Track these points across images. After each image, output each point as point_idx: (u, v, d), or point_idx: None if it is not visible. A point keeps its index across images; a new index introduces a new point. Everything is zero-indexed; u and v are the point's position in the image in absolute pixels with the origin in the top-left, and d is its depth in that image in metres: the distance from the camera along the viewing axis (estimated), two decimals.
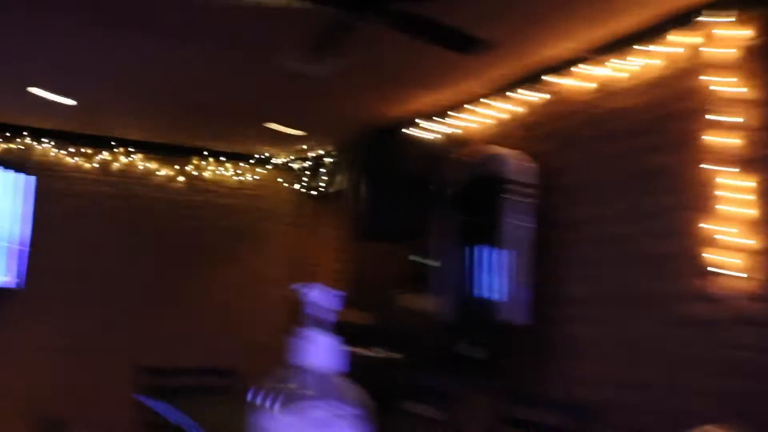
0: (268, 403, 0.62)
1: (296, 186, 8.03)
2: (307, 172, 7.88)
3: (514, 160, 4.61)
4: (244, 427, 0.63)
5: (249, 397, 0.64)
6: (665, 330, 3.68)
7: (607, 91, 4.24)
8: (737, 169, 3.42)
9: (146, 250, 7.30)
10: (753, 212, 3.33)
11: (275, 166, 8.02)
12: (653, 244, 3.80)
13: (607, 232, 4.12)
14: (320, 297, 0.72)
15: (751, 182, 3.36)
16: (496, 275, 4.62)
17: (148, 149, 7.41)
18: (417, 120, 5.79)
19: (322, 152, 7.56)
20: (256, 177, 7.91)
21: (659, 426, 3.55)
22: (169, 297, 7.30)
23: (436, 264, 5.03)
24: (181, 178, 7.58)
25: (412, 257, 5.70)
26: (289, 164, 8.04)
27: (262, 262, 7.77)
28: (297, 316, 1.01)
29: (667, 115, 3.82)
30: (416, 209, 5.51)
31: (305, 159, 7.86)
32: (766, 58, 3.39)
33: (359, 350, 5.40)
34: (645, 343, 3.79)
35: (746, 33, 3.48)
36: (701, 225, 3.53)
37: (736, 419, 2.61)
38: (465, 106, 5.35)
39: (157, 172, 7.46)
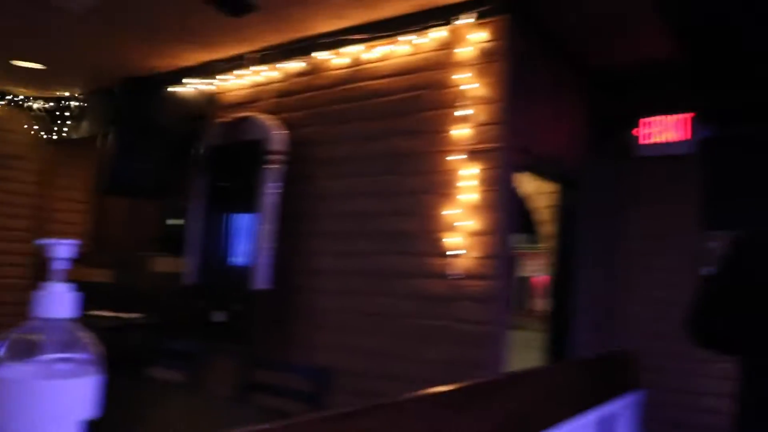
0: (2, 354, 0.68)
1: (37, 128, 7.34)
2: (51, 115, 7.24)
3: (268, 126, 4.68)
4: None
5: None
6: (403, 303, 4.03)
7: (365, 72, 4.51)
8: (465, 158, 3.90)
9: None
10: (475, 197, 3.84)
11: (11, 103, 7.24)
12: (397, 222, 4.14)
13: (354, 208, 4.37)
14: (56, 249, 0.75)
15: (475, 170, 3.85)
16: (245, 241, 4.70)
17: None
18: (180, 76, 5.65)
19: (68, 94, 7.00)
20: None
21: (385, 389, 3.82)
22: None
23: (187, 226, 4.95)
24: None
25: (162, 217, 5.56)
26: (28, 103, 7.32)
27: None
28: (39, 271, 1.01)
29: (420, 104, 4.18)
30: (170, 168, 5.38)
31: (48, 99, 7.21)
32: (496, 59, 3.89)
33: (101, 311, 5.20)
34: (383, 314, 4.10)
35: (482, 36, 3.96)
36: (443, 209, 3.95)
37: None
38: (228, 68, 5.32)
39: None
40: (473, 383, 1.72)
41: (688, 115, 4.72)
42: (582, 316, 5.04)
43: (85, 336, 0.74)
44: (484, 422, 1.75)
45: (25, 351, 0.70)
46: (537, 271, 6.78)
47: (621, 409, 2.42)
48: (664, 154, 4.87)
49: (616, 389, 2.47)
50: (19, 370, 0.69)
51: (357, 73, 4.56)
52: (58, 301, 0.74)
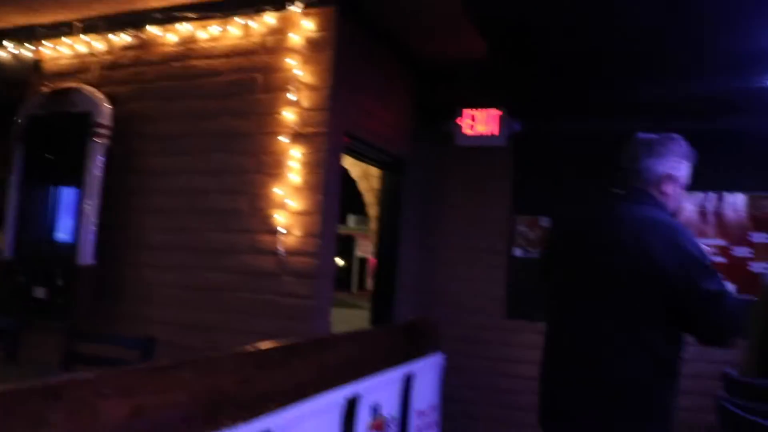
0: None
1: None
2: None
3: (95, 99, 4.56)
4: None
5: None
6: (231, 278, 4.14)
7: (197, 51, 4.53)
8: (290, 141, 4.08)
9: None
10: (301, 178, 4.03)
11: None
12: (226, 200, 4.23)
13: (183, 185, 4.40)
14: None
15: (298, 152, 4.05)
16: (68, 216, 4.56)
17: None
18: (2, 40, 5.30)
19: None
20: None
21: None
22: None
23: (5, 198, 4.71)
24: None
25: None
26: None
27: None
28: None
29: (251, 86, 4.28)
30: None
31: None
32: (322, 49, 4.10)
33: None
34: (211, 289, 4.18)
35: (310, 25, 4.15)
36: (271, 189, 4.09)
37: None
38: (52, 34, 5.09)
39: None
40: (286, 343, 1.92)
41: (500, 111, 5.19)
42: (403, 293, 5.41)
43: None
44: (298, 376, 1.95)
45: None
46: (371, 251, 7.08)
47: (423, 368, 2.72)
48: (481, 145, 5.31)
49: (419, 351, 2.77)
50: None
51: (189, 52, 4.57)
52: None
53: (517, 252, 5.51)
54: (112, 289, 4.52)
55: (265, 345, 1.85)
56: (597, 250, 2.28)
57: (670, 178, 2.33)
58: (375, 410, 2.26)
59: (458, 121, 5.34)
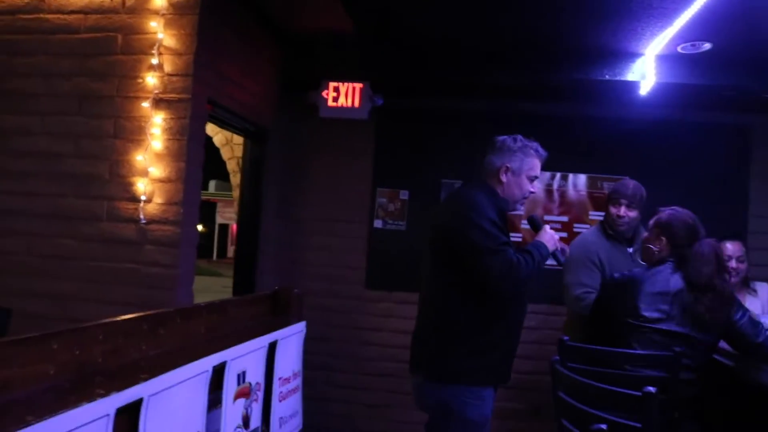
0: None
1: None
2: None
3: None
4: None
5: None
6: (88, 246, 3.99)
7: (49, 5, 4.27)
8: (151, 106, 3.99)
9: None
10: (162, 145, 3.96)
11: None
12: (83, 165, 4.06)
13: (34, 147, 4.16)
14: None
15: (159, 119, 3.97)
16: None
17: None
18: None
19: None
20: None
21: None
22: None
23: None
24: None
25: None
26: None
27: None
28: None
29: (110, 46, 4.09)
30: None
31: None
32: (186, 13, 4.01)
33: None
34: (67, 258, 4.02)
35: None
36: (132, 155, 3.98)
37: None
38: None
39: None
40: (152, 313, 1.94)
41: (362, 84, 5.32)
42: (265, 261, 5.46)
43: None
44: (165, 346, 1.99)
45: None
46: (233, 219, 7.00)
47: (286, 337, 2.82)
48: (343, 117, 5.43)
49: (283, 320, 2.87)
50: None
51: (40, 4, 4.29)
52: None
53: (378, 224, 5.70)
54: None
55: (133, 315, 1.87)
56: (430, 224, 3.07)
57: (507, 169, 2.99)
58: (241, 378, 2.34)
59: (322, 93, 5.41)
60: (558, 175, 5.56)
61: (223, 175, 6.28)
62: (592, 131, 5.51)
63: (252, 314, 2.70)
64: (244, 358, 2.36)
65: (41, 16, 4.29)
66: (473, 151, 3.35)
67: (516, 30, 4.65)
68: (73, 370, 1.61)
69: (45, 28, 4.26)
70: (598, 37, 4.57)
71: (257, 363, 2.53)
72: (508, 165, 2.99)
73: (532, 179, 3.04)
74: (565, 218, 5.54)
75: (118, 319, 1.82)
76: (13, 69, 4.28)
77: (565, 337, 3.33)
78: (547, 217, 5.50)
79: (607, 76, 4.97)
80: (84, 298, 3.96)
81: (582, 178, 5.55)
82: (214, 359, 2.12)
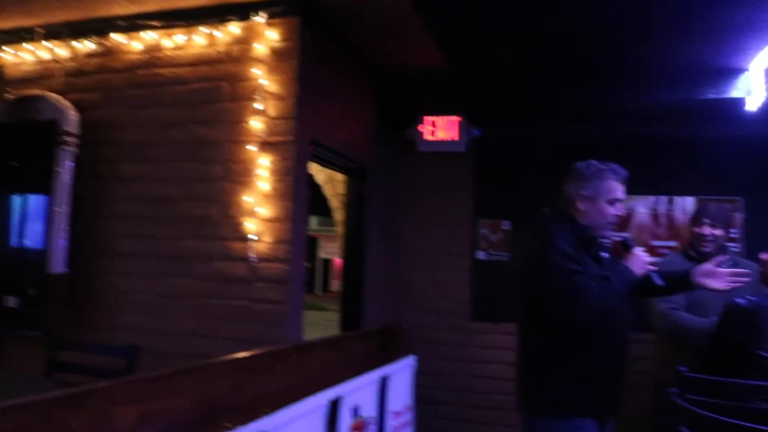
0: None
1: None
2: None
3: (61, 106, 4.57)
4: None
5: None
6: (203, 285, 4.19)
7: (162, 59, 4.57)
8: (257, 149, 4.17)
9: None
10: (269, 186, 4.12)
11: None
12: (196, 208, 4.28)
13: (153, 192, 4.43)
14: None
15: (266, 161, 4.14)
16: (37, 224, 4.56)
17: None
18: None
19: None
20: None
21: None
22: None
23: None
24: None
25: None
26: None
27: None
28: None
29: (217, 95, 4.34)
30: None
31: None
32: (287, 58, 4.19)
33: None
34: (184, 296, 4.23)
35: (274, 35, 4.24)
36: (241, 196, 4.17)
37: None
38: (13, 40, 5.07)
39: None
40: (272, 349, 2.02)
41: (460, 117, 5.36)
42: (371, 295, 5.54)
43: None
44: (283, 381, 2.06)
45: None
46: (335, 253, 7.11)
47: (397, 371, 2.85)
48: (442, 151, 5.48)
49: (392, 355, 2.90)
50: None
51: (154, 60, 4.60)
52: None
53: (481, 255, 5.68)
54: (85, 296, 4.52)
55: (254, 352, 1.96)
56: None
57: (582, 197, 2.97)
58: (355, 411, 2.38)
59: (419, 127, 5.48)
60: (664, 198, 5.38)
61: (323, 211, 6.44)
62: (698, 151, 5.31)
63: (363, 349, 2.76)
64: (358, 392, 2.40)
65: (155, 70, 4.59)
66: (564, 177, 3.31)
67: (611, 53, 4.58)
68: (202, 405, 1.69)
69: (159, 81, 4.56)
70: (700, 55, 4.44)
71: (370, 397, 2.56)
72: (583, 192, 2.99)
73: (613, 202, 2.98)
74: (674, 243, 5.33)
75: (241, 355, 1.90)
76: (133, 121, 4.59)
77: (683, 368, 3.19)
78: (655, 243, 5.32)
79: (710, 95, 4.80)
80: (201, 334, 4.14)
81: (690, 201, 5.34)
82: (330, 393, 2.17)
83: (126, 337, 4.08)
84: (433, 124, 5.46)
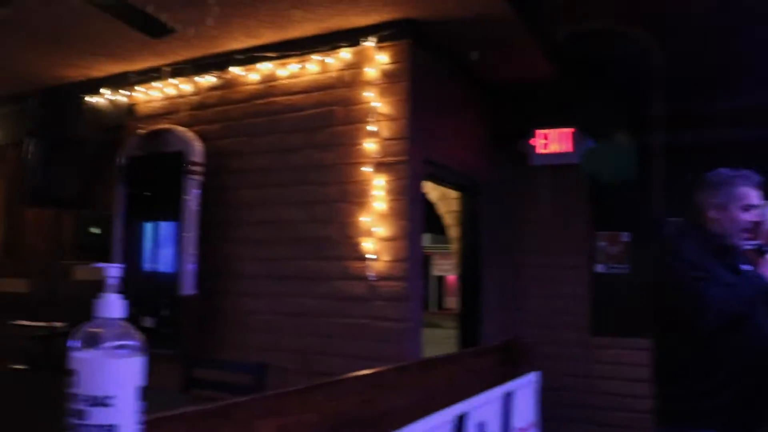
0: (79, 343, 0.98)
1: None
2: None
3: (187, 138, 4.86)
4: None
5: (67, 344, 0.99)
6: (324, 304, 4.33)
7: (278, 88, 4.78)
8: (372, 170, 4.26)
9: None
10: (385, 205, 4.20)
11: None
12: (315, 229, 4.43)
13: (274, 216, 4.63)
14: (109, 270, 1.09)
15: (381, 181, 4.22)
16: (169, 248, 4.86)
17: None
18: (95, 87, 5.68)
19: None
20: None
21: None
22: None
23: (110, 234, 5.05)
24: None
25: (83, 226, 5.60)
26: None
27: None
28: None
29: (331, 119, 4.49)
30: (89, 178, 5.46)
31: None
32: (398, 80, 4.27)
33: (23, 321, 5.22)
34: (305, 315, 4.38)
35: (384, 58, 4.33)
36: (358, 217, 4.28)
37: None
38: (143, 80, 5.45)
39: None
40: (397, 365, 2.06)
41: (573, 129, 5.26)
42: (488, 311, 5.50)
43: (130, 328, 1.04)
44: (409, 397, 2.09)
45: (94, 340, 1.00)
46: (449, 270, 7.10)
47: (521, 387, 2.82)
48: (556, 163, 5.38)
49: (515, 371, 2.88)
50: (93, 353, 0.99)
51: (270, 89, 4.82)
52: (113, 306, 1.04)
53: (600, 268, 5.52)
54: (213, 316, 4.76)
55: (381, 368, 2.00)
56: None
57: (712, 205, 2.90)
58: (481, 428, 2.38)
59: (531, 141, 5.42)
60: None
61: (436, 229, 6.47)
62: None
63: (486, 365, 2.75)
64: (483, 408, 2.40)
65: (272, 99, 4.80)
66: (694, 186, 3.20)
67: (740, 55, 4.38)
68: (332, 419, 1.75)
69: (276, 109, 4.76)
70: None
71: (495, 414, 2.55)
72: (713, 200, 2.91)
73: (747, 208, 2.86)
74: None
75: (368, 372, 1.95)
76: (253, 148, 4.81)
77: None
78: None
79: None
80: (322, 352, 4.26)
81: None
82: (455, 410, 2.18)
83: (251, 355, 4.27)
84: (546, 137, 5.39)
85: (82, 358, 0.99)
